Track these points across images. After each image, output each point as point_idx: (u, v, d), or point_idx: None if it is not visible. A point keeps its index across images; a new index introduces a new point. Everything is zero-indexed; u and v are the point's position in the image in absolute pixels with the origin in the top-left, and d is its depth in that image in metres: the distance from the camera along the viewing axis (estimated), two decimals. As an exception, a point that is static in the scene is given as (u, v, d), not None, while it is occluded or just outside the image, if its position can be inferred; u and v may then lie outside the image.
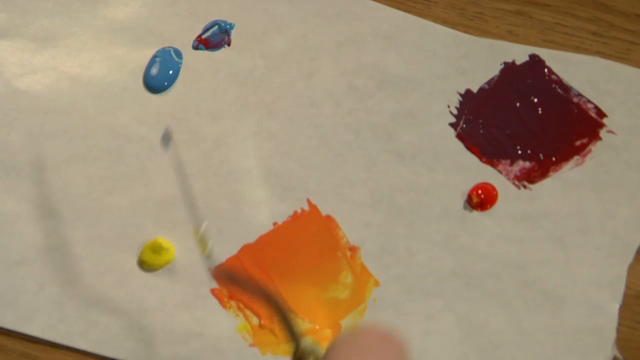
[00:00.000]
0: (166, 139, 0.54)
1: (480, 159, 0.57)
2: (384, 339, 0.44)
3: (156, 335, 0.54)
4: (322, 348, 0.49)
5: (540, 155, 0.56)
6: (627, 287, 0.54)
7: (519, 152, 0.57)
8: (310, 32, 0.60)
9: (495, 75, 0.58)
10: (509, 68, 0.58)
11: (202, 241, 0.54)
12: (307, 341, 0.47)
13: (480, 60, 0.59)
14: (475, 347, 0.53)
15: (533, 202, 0.56)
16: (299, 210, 0.56)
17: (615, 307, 0.53)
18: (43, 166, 0.57)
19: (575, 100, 0.57)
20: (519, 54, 0.59)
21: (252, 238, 0.56)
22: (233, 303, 0.54)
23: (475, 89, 0.58)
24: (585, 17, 0.59)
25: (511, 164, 0.56)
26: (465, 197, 0.56)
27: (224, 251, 0.55)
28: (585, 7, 0.60)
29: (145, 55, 0.60)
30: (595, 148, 0.56)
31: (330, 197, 0.56)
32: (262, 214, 0.56)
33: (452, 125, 0.57)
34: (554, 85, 0.58)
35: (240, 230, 0.56)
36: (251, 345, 0.54)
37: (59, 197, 0.56)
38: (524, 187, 0.56)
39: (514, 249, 0.55)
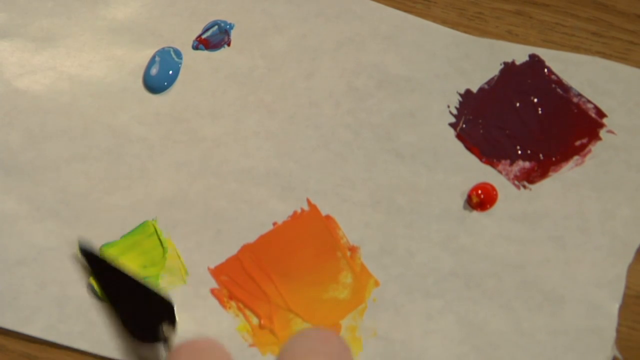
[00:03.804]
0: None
1: (480, 159, 0.57)
2: (327, 334, 0.48)
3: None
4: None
5: (540, 155, 0.56)
6: (627, 287, 0.54)
7: (519, 152, 0.57)
8: (310, 32, 0.60)
9: (495, 75, 0.58)
10: (509, 68, 0.58)
11: None
12: None
13: (480, 60, 0.58)
14: (475, 347, 0.53)
15: (533, 202, 0.56)
16: (299, 210, 0.56)
17: (615, 307, 0.53)
18: (43, 166, 0.57)
19: (575, 100, 0.57)
20: (519, 54, 0.59)
21: (251, 238, 0.56)
22: (233, 303, 0.54)
23: (475, 89, 0.58)
24: (585, 17, 0.59)
25: (511, 164, 0.56)
26: (465, 197, 0.56)
27: (224, 251, 0.55)
28: (585, 7, 0.60)
29: (144, 55, 0.60)
30: (595, 148, 0.56)
31: (330, 197, 0.56)
32: (262, 213, 0.56)
33: (452, 125, 0.57)
34: (553, 85, 0.58)
35: (239, 230, 0.56)
36: (251, 345, 0.54)
37: (59, 197, 0.56)
38: (524, 187, 0.56)
39: (514, 249, 0.55)
